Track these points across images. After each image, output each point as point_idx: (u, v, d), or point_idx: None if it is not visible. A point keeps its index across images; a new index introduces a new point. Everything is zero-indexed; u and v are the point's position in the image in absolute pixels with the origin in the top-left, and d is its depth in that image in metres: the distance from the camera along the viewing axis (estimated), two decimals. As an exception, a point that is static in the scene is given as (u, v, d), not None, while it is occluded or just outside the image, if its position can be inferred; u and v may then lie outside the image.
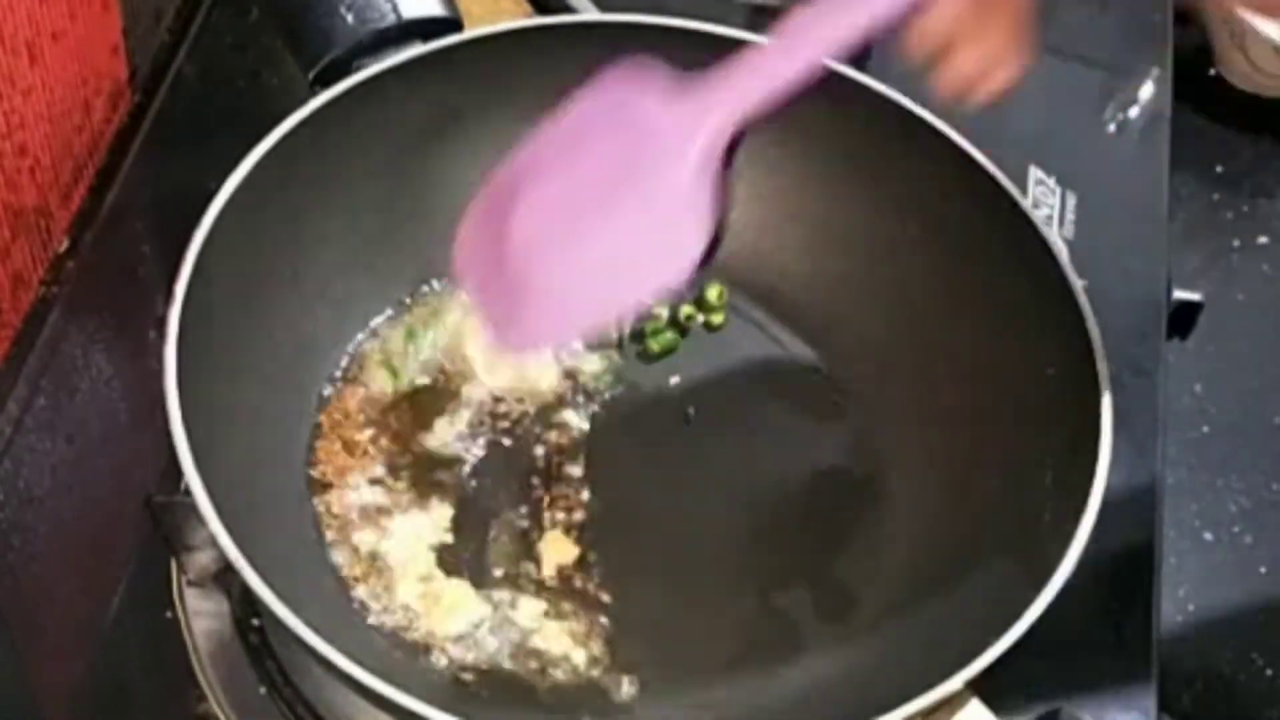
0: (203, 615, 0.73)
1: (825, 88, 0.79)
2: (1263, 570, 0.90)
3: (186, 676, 0.72)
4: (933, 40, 0.61)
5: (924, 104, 0.78)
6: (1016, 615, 0.62)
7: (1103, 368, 0.70)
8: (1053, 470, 0.70)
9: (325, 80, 0.77)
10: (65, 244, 0.89)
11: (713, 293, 0.84)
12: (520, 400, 0.79)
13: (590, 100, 0.64)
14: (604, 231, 0.63)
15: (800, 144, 0.82)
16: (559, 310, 0.65)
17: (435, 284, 0.82)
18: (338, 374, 0.78)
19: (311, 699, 0.71)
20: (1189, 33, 1.15)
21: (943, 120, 0.78)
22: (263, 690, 0.72)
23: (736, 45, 0.79)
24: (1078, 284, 0.72)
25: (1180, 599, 0.88)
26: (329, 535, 0.73)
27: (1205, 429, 0.96)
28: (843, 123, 0.80)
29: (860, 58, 1.08)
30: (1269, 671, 0.86)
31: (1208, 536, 0.91)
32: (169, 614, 0.74)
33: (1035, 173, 1.02)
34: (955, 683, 0.61)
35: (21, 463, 0.80)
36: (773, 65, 0.61)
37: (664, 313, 0.83)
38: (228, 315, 0.71)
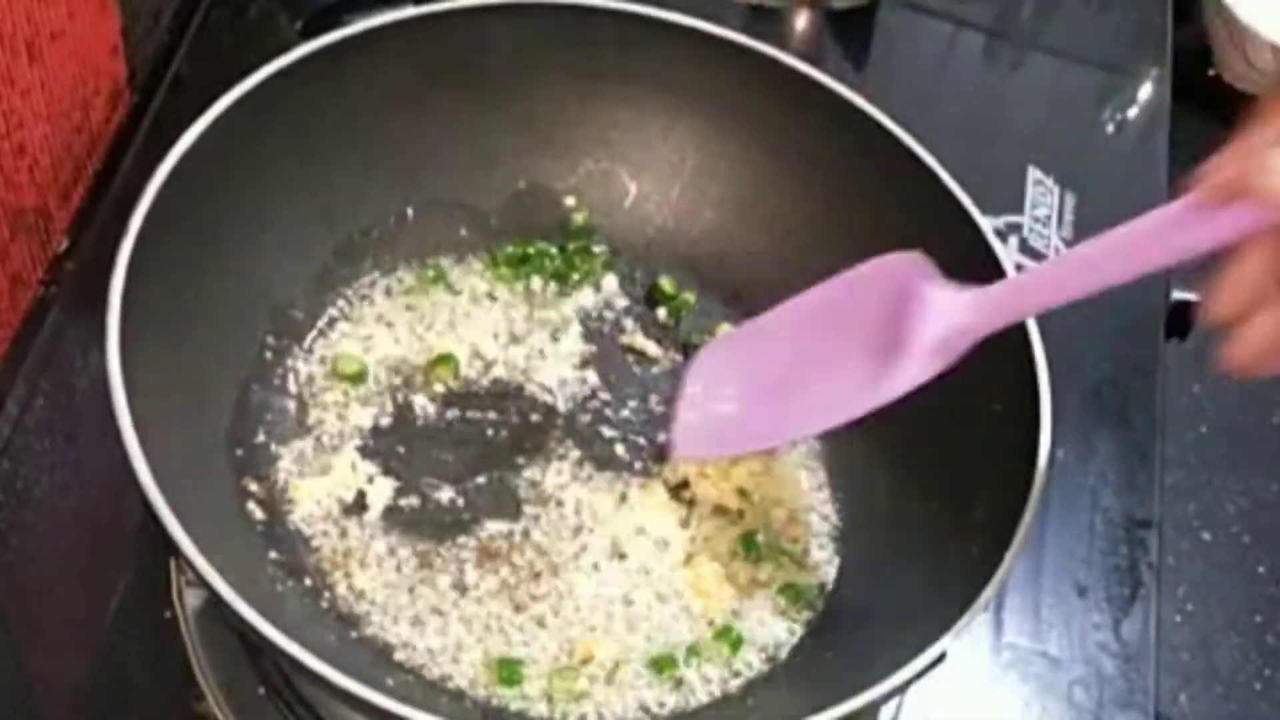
0: (203, 615, 0.73)
1: (816, 104, 0.80)
2: (1261, 570, 0.90)
3: (186, 676, 0.73)
4: (1231, 303, 0.55)
5: (916, 129, 0.78)
6: (922, 649, 0.62)
7: (1046, 409, 0.69)
8: (986, 505, 0.69)
9: (312, 31, 0.77)
10: (64, 244, 0.89)
11: (666, 283, 0.85)
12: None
13: (871, 265, 0.69)
14: (827, 371, 0.70)
15: (783, 157, 0.83)
16: (756, 426, 0.73)
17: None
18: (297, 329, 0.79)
19: (310, 699, 0.71)
20: (1188, 33, 1.14)
21: (928, 150, 0.78)
22: (262, 690, 0.72)
23: (729, 45, 0.81)
24: (1034, 330, 0.72)
25: (1179, 598, 0.88)
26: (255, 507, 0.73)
27: (1204, 429, 0.96)
28: (827, 142, 0.81)
29: (860, 66, 1.09)
30: (1267, 671, 0.86)
31: (1206, 536, 0.91)
32: (169, 614, 0.74)
33: (1034, 173, 1.02)
34: (854, 704, 0.61)
35: (21, 463, 0.80)
36: (1053, 285, 0.63)
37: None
38: (186, 254, 0.71)
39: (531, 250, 0.85)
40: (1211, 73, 1.14)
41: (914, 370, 0.65)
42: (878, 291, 0.68)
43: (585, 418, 0.80)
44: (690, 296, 0.85)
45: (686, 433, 0.76)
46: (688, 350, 0.83)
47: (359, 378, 0.78)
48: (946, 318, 0.64)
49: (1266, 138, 0.53)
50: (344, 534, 0.73)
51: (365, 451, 0.76)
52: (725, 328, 0.84)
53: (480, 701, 0.69)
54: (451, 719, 0.67)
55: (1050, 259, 0.64)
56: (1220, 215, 0.54)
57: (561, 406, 0.80)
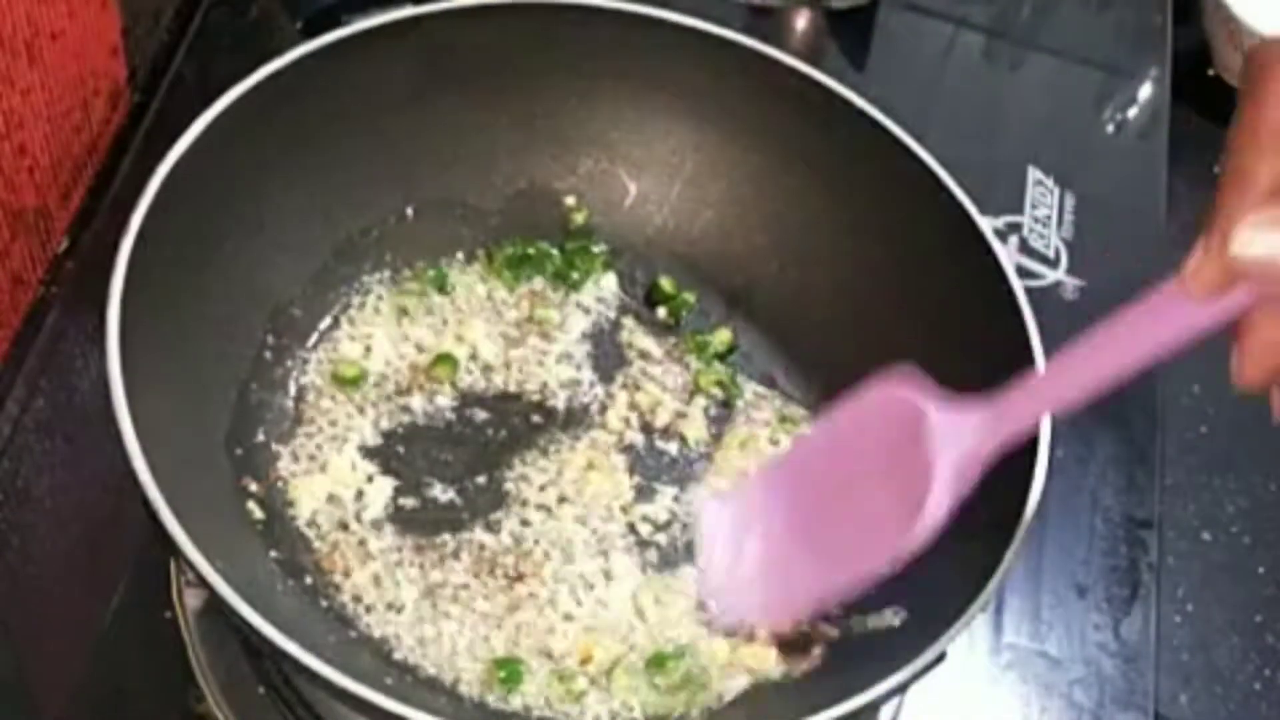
0: (203, 615, 0.73)
1: (816, 104, 0.80)
2: (1261, 570, 0.90)
3: (186, 676, 0.73)
4: (1260, 373, 0.53)
5: (916, 129, 0.78)
6: (922, 649, 0.62)
7: (1045, 420, 0.69)
8: (986, 505, 0.69)
9: (312, 30, 0.77)
10: (64, 244, 0.89)
11: (666, 283, 0.85)
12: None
13: (870, 398, 0.67)
14: (846, 519, 0.67)
15: (782, 157, 0.83)
16: (789, 590, 0.70)
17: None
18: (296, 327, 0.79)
19: (310, 699, 0.71)
20: (1188, 33, 1.14)
21: (928, 150, 0.78)
22: (262, 690, 0.72)
23: (729, 45, 0.81)
24: (1034, 331, 0.72)
25: (1178, 599, 0.88)
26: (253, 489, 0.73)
27: (1203, 429, 0.96)
28: (827, 142, 0.80)
29: (860, 66, 1.09)
30: (1267, 671, 0.86)
31: (1206, 536, 0.91)
32: (169, 614, 0.74)
33: (1034, 173, 1.02)
34: (854, 704, 0.61)
35: (21, 463, 0.80)
36: (1057, 390, 0.61)
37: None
38: (186, 253, 0.71)
39: (531, 250, 0.85)
40: (1211, 73, 1.14)
41: (939, 506, 0.62)
42: (883, 430, 0.66)
43: (584, 418, 0.80)
44: (690, 296, 0.85)
45: (717, 597, 0.72)
46: (683, 343, 0.83)
47: (359, 378, 0.78)
48: (959, 446, 0.62)
49: (1242, 195, 0.51)
50: (344, 533, 0.73)
51: (365, 451, 0.76)
52: (724, 331, 0.84)
53: (479, 701, 0.69)
54: (451, 719, 0.67)
55: (1052, 360, 0.63)
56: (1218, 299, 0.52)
57: (561, 407, 0.80)
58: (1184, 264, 0.52)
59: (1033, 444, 0.68)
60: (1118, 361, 0.57)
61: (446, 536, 0.74)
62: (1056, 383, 0.62)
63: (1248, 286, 0.51)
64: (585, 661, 0.71)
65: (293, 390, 0.78)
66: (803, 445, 0.72)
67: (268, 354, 0.77)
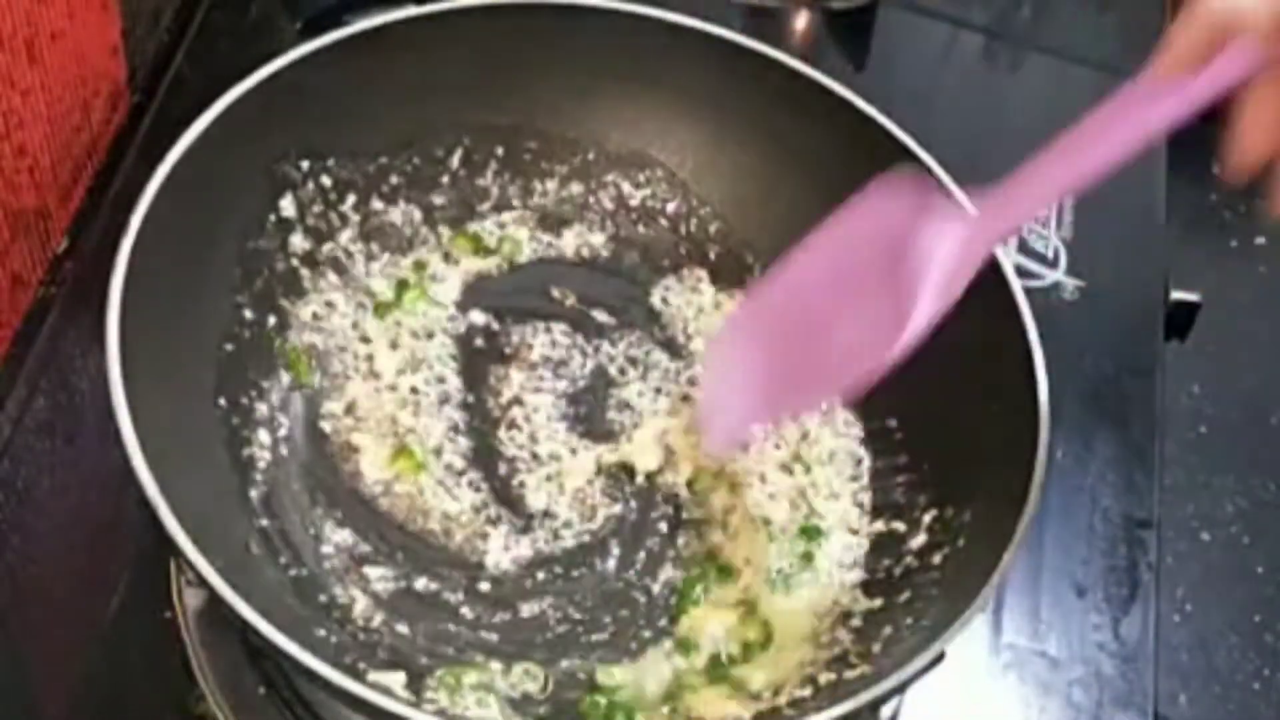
0: (203, 615, 0.73)
1: (816, 104, 0.80)
2: (1259, 570, 0.91)
3: (186, 676, 0.73)
4: (1255, 147, 0.55)
5: (916, 129, 0.78)
6: (921, 649, 0.62)
7: (1045, 410, 0.69)
8: (985, 505, 0.69)
9: (312, 30, 0.77)
10: (64, 244, 0.89)
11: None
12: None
13: (860, 210, 0.67)
14: (835, 328, 0.68)
15: (782, 157, 0.83)
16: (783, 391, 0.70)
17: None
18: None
19: (310, 699, 0.71)
20: (1187, 33, 1.15)
21: (928, 150, 0.78)
22: (262, 690, 0.72)
23: (729, 45, 0.81)
24: (1033, 331, 0.72)
25: (1178, 599, 0.88)
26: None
27: (1203, 429, 0.96)
28: (827, 142, 0.81)
29: (860, 66, 1.09)
30: (1266, 671, 0.87)
31: (1205, 537, 0.91)
32: (169, 614, 0.74)
33: (1034, 173, 1.02)
34: (854, 704, 0.61)
35: (21, 463, 0.80)
36: (1040, 186, 0.61)
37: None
38: (186, 254, 0.71)
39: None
40: (1211, 73, 1.14)
41: (927, 310, 0.63)
42: (873, 236, 0.66)
43: (584, 412, 0.80)
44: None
45: (714, 424, 0.73)
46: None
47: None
48: (947, 252, 0.62)
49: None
50: (344, 533, 0.73)
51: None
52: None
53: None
54: (449, 718, 0.67)
55: (1029, 161, 0.62)
56: (1199, 75, 0.53)
57: (563, 406, 0.80)
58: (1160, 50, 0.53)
59: (1032, 442, 0.68)
60: (1103, 154, 0.57)
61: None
62: (1040, 179, 0.61)
63: (1233, 52, 0.52)
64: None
65: (293, 390, 0.78)
66: (798, 259, 0.71)
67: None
